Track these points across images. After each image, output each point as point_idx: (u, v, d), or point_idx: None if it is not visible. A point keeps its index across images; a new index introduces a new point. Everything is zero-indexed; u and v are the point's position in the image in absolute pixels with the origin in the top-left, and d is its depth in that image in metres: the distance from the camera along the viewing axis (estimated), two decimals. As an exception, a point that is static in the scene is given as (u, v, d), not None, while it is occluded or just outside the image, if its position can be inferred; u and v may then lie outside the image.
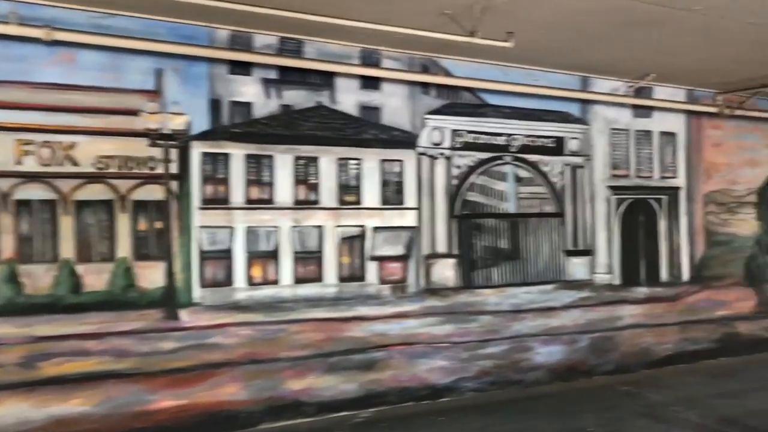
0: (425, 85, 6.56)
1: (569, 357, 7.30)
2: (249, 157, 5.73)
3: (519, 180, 7.09)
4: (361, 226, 6.22)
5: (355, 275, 6.19)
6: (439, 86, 6.62)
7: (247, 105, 5.73)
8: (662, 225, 8.01)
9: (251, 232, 5.75)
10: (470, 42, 5.48)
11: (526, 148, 7.12)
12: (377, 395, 6.21)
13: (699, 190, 8.30)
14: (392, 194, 6.37)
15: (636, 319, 7.77)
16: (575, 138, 7.41)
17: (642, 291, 7.84)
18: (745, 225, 8.71)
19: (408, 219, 6.44)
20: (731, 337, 8.53)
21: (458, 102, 6.75)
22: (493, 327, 6.86)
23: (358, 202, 6.20)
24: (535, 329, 7.10)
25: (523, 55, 6.52)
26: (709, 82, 7.88)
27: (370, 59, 6.25)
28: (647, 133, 7.92)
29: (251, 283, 5.74)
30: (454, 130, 6.72)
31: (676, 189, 8.12)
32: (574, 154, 7.40)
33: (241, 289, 5.70)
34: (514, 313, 7.00)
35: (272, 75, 5.86)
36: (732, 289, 8.56)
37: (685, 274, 8.18)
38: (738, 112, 8.24)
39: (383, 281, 6.30)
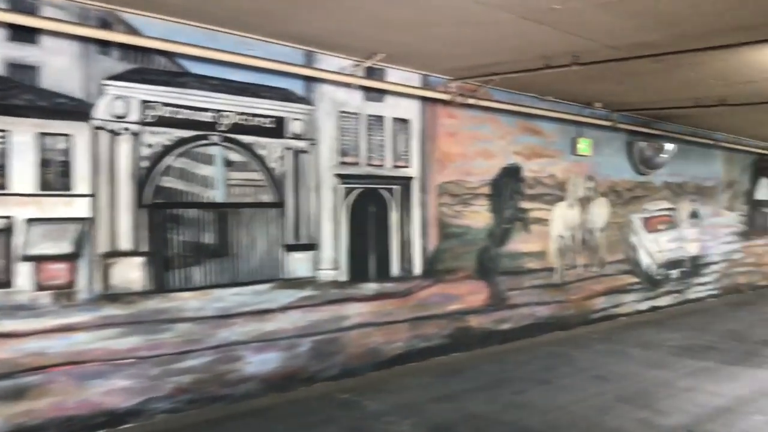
0: (105, 44, 5.33)
1: (287, 364, 6.52)
2: None
3: (230, 164, 6.13)
4: (7, 217, 4.87)
5: (-1, 280, 4.84)
6: (124, 47, 5.43)
7: None
8: (394, 217, 7.53)
9: None
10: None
11: (238, 128, 6.17)
12: (31, 430, 4.93)
13: (433, 180, 7.95)
14: (55, 177, 5.08)
15: (364, 317, 7.21)
16: (298, 119, 6.61)
17: (371, 287, 7.29)
18: (478, 217, 8.55)
19: (78, 208, 5.20)
20: (463, 332, 8.33)
21: (150, 68, 5.61)
22: (193, 336, 5.85)
23: (2, 186, 4.83)
24: (247, 335, 6.22)
25: (235, 19, 5.56)
26: (442, 68, 7.51)
27: (23, 4, 4.89)
28: (379, 119, 7.36)
29: None
30: (145, 101, 5.58)
31: (409, 179, 7.68)
32: (296, 137, 6.60)
33: None
34: (220, 318, 6.04)
35: None
36: (464, 283, 8.37)
37: (417, 268, 7.79)
38: (470, 101, 7.99)
39: (41, 287, 5.01)
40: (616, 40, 6.07)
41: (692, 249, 12.93)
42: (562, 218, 9.91)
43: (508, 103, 8.69)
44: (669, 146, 11.50)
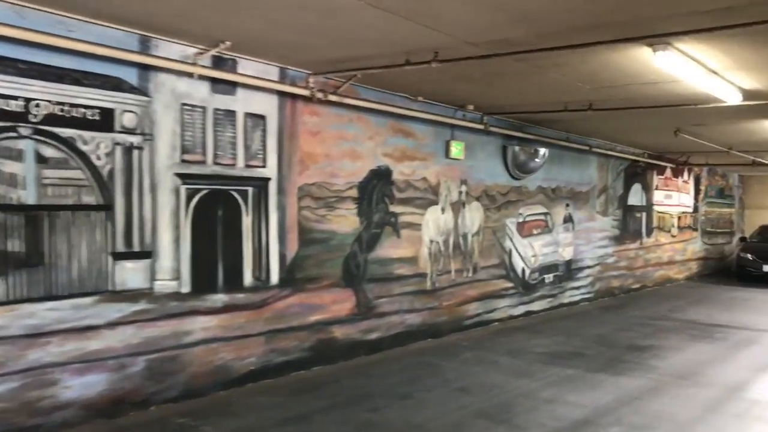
0: None
1: (116, 387, 5.79)
2: None
3: (44, 161, 5.35)
4: None
5: None
6: None
7: None
8: (247, 221, 6.93)
9: None
10: None
11: (55, 119, 5.39)
12: None
13: (293, 182, 7.41)
14: None
15: (211, 332, 6.57)
16: (130, 111, 5.89)
17: (219, 298, 6.65)
18: (345, 221, 8.08)
19: None
20: (326, 344, 7.84)
21: (-63, 45, 4.77)
22: (-7, 359, 5.04)
23: None
24: (65, 356, 5.45)
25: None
26: (301, 60, 6.99)
27: None
28: (230, 114, 6.74)
29: None
30: (-71, 85, 4.73)
31: (266, 180, 7.10)
32: (128, 131, 5.88)
33: None
34: (30, 337, 5.25)
35: None
36: (329, 291, 7.87)
37: (275, 276, 7.22)
38: (333, 98, 7.51)
39: None
40: (475, 36, 5.75)
41: (566, 253, 13.03)
42: (434, 223, 9.62)
43: (377, 103, 8.28)
44: (542, 151, 11.48)
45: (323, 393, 6.81)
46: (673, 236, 18.27)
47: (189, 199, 6.38)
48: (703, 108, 8.65)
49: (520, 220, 11.64)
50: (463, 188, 10.20)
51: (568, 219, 13.12)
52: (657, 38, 5.36)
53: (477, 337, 9.88)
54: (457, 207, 10.11)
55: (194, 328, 6.42)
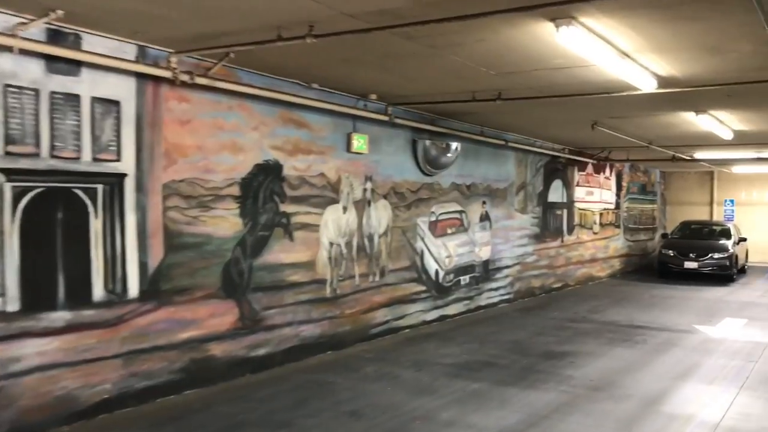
0: None
1: None
2: None
3: None
4: None
5: None
6: None
7: None
8: (96, 225, 5.89)
9: None
10: None
11: None
12: None
13: (157, 178, 6.41)
14: None
15: (49, 357, 5.52)
16: (-71, 91, 4.79)
17: (60, 317, 5.61)
18: (224, 223, 7.12)
19: None
20: (202, 364, 6.87)
21: None
22: None
23: None
24: None
25: None
26: (160, 37, 5.99)
27: None
28: (74, 98, 5.70)
29: None
30: None
31: (120, 176, 6.08)
32: (-74, 116, 4.78)
33: None
34: None
35: None
36: (204, 303, 6.90)
37: (134, 288, 6.21)
38: (201, 81, 6.54)
39: None
40: (352, 5, 4.90)
41: (484, 253, 12.38)
42: (335, 223, 8.75)
43: (261, 89, 7.35)
44: (454, 145, 10.77)
45: (189, 423, 5.86)
46: (595, 233, 17.96)
47: (17, 199, 5.31)
48: (618, 97, 8.06)
49: (433, 218, 10.90)
50: (369, 185, 9.36)
51: (485, 217, 12.48)
52: (558, 7, 4.62)
53: (383, 348, 9.07)
54: (362, 206, 9.28)
55: (25, 353, 5.35)
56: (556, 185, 15.52)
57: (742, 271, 19.50)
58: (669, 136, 12.88)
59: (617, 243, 19.70)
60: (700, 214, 23.29)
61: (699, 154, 16.43)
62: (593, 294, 15.22)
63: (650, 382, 7.44)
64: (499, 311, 12.43)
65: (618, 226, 19.79)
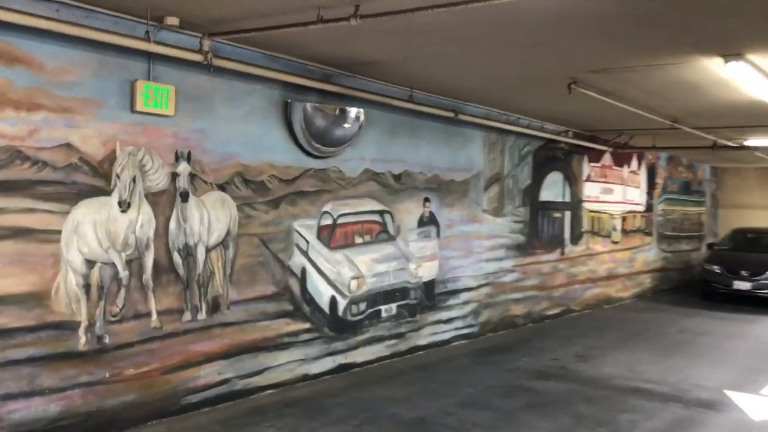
0: None
1: None
2: None
3: None
4: None
5: None
6: None
7: None
8: None
9: None
10: None
11: None
12: None
13: None
14: None
15: None
16: None
17: None
18: None
19: None
20: None
21: None
22: None
23: None
24: None
25: None
26: None
27: None
28: None
29: None
30: None
31: None
32: None
33: None
34: None
35: None
36: None
37: None
38: None
39: None
40: None
41: (425, 271, 8.73)
42: (101, 227, 5.33)
43: None
44: (353, 112, 7.18)
45: None
46: (615, 243, 14.00)
47: None
48: (574, 18, 4.38)
49: (326, 222, 7.34)
50: (183, 167, 5.88)
51: (429, 220, 8.84)
52: None
53: (200, 427, 5.61)
54: (168, 200, 5.82)
55: None
56: (554, 179, 11.69)
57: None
58: (698, 110, 8.97)
59: (648, 254, 15.65)
60: (759, 219, 18.68)
61: (751, 141, 12.32)
62: (600, 325, 11.35)
63: None
64: (445, 354, 8.77)
65: (649, 234, 15.73)
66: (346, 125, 7.14)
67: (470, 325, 9.66)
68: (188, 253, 5.99)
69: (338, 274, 7.45)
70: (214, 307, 6.22)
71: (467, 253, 9.57)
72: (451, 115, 8.66)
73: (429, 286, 8.83)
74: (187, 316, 5.98)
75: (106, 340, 5.39)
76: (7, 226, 4.77)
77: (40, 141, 4.94)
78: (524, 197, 10.86)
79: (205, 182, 6.11)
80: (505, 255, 10.42)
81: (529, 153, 10.94)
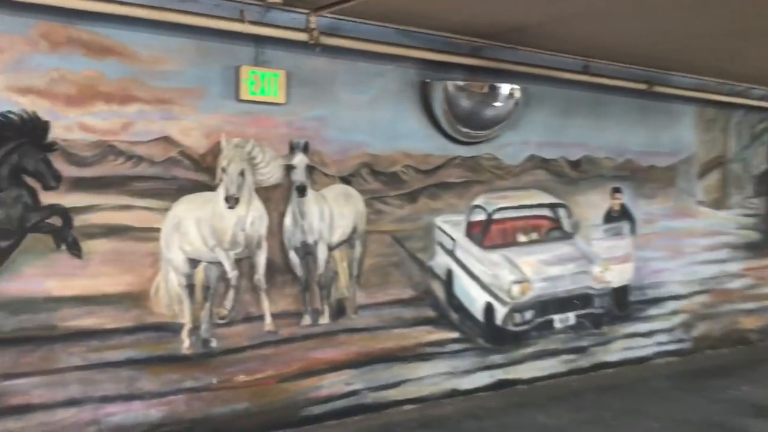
0: None
1: None
2: None
3: None
4: None
5: None
6: None
7: None
8: None
9: None
10: None
11: None
12: None
13: None
14: None
15: None
16: None
17: None
18: None
19: None
20: None
21: None
22: None
23: None
24: None
25: None
26: None
27: None
28: None
29: None
30: None
31: None
32: None
33: None
34: None
35: None
36: None
37: None
38: None
39: None
40: None
41: (615, 275, 7.35)
42: (202, 225, 5.05)
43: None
44: (505, 89, 6.14)
45: None
46: None
47: None
48: None
49: (478, 217, 6.42)
50: (300, 159, 5.39)
51: (619, 215, 7.45)
52: None
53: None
54: (283, 195, 5.37)
55: None
56: (803, 162, 9.36)
57: None
58: None
59: None
60: None
61: None
62: None
63: None
64: (640, 373, 7.32)
65: None
66: (497, 104, 6.13)
67: (679, 340, 8.01)
68: (307, 251, 5.49)
69: (495, 278, 6.47)
70: (339, 311, 5.66)
71: (675, 253, 7.94)
72: (643, 87, 7.18)
73: (620, 292, 7.43)
74: (307, 320, 5.49)
75: (213, 344, 5.08)
76: (99, 223, 4.62)
77: (134, 135, 4.74)
78: (758, 185, 8.81)
79: (326, 175, 5.56)
80: (730, 256, 8.53)
81: (764, 131, 8.85)
